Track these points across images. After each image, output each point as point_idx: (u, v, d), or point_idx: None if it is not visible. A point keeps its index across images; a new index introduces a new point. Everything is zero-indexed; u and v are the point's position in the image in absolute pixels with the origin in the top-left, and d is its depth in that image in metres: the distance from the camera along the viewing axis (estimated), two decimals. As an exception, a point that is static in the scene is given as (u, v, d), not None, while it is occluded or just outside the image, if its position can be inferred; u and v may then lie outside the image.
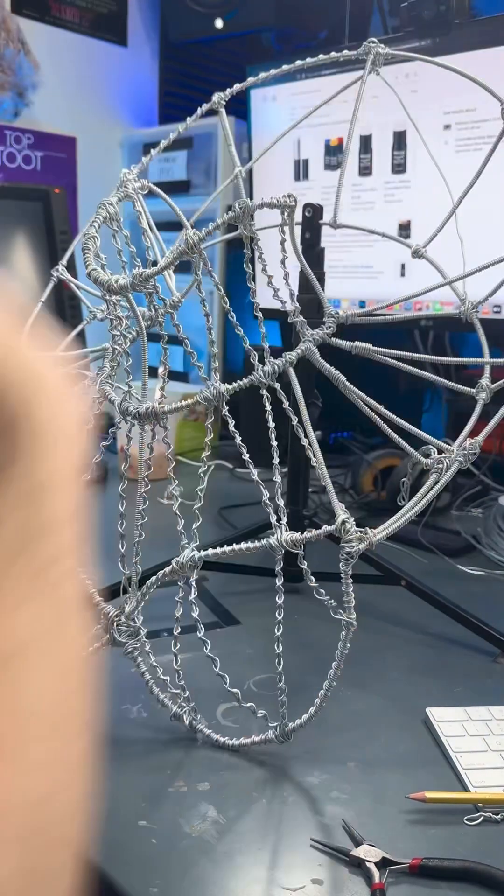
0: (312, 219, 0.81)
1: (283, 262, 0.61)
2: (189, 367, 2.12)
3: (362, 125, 1.21)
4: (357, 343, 0.63)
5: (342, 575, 0.53)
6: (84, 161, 2.22)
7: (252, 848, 0.50)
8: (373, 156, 1.21)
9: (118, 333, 0.63)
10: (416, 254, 0.77)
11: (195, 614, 0.58)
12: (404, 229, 1.19)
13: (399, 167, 1.18)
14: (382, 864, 0.49)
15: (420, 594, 0.82)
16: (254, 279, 0.57)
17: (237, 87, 0.74)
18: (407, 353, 0.64)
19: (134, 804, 0.54)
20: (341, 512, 0.53)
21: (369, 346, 0.63)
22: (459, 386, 0.66)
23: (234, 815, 0.53)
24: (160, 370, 0.59)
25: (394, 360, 0.64)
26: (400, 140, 1.17)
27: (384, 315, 0.74)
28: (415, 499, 0.57)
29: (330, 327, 0.63)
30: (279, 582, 0.56)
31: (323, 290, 0.73)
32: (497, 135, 0.69)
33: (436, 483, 0.59)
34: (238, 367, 1.66)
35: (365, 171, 1.23)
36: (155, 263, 0.59)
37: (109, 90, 2.28)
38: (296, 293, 0.65)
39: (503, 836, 0.52)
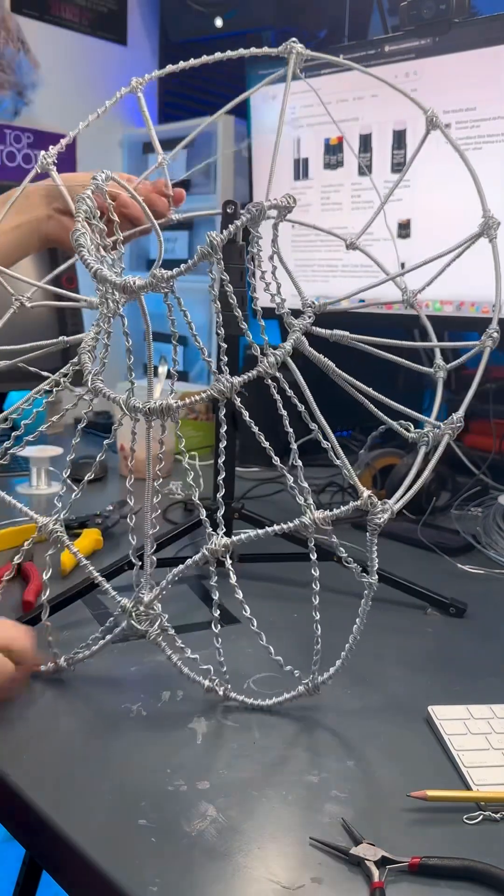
0: (233, 216, 0.81)
1: (271, 258, 0.63)
2: (189, 366, 2.11)
3: (362, 124, 1.21)
4: (336, 331, 0.65)
5: (368, 543, 0.59)
6: (84, 160, 2.22)
7: (252, 847, 0.50)
8: (372, 154, 1.21)
9: (100, 328, 0.63)
10: (351, 246, 0.80)
11: (236, 596, 0.62)
12: (404, 228, 1.19)
13: (399, 166, 1.18)
14: (382, 862, 0.49)
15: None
16: (254, 276, 0.58)
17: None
18: (381, 339, 0.66)
19: (134, 804, 0.54)
20: (364, 490, 0.58)
21: (346, 333, 0.65)
22: (418, 366, 0.70)
23: (233, 814, 0.53)
24: (161, 369, 0.60)
25: (370, 347, 0.66)
26: (399, 139, 1.17)
27: (357, 308, 0.74)
28: (415, 467, 0.62)
29: (310, 317, 0.65)
30: (313, 557, 0.60)
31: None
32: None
33: (427, 454, 0.63)
34: (238, 365, 1.66)
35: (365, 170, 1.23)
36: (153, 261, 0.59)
37: (109, 89, 2.28)
38: (281, 287, 0.66)
39: None
